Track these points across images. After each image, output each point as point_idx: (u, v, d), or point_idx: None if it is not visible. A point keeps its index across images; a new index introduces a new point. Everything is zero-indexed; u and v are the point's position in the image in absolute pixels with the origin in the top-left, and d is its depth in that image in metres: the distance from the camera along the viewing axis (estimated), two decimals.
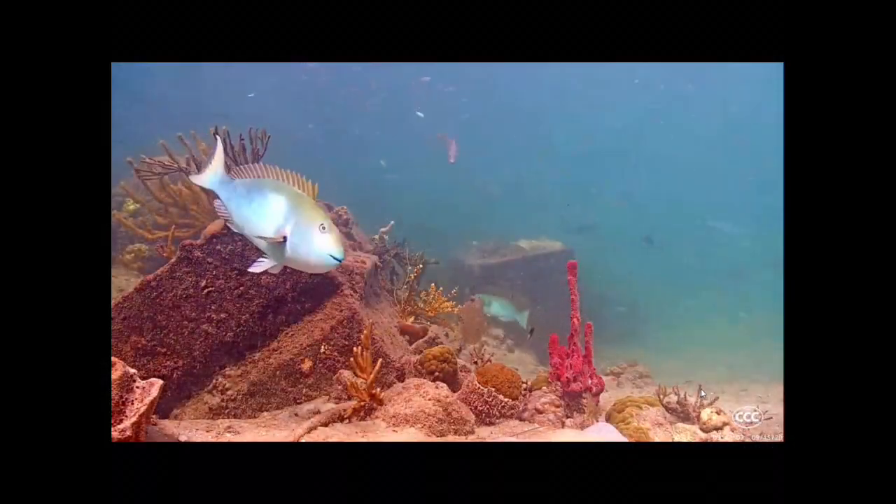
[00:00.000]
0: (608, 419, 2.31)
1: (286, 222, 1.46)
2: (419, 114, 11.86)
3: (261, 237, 1.50)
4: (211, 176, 1.63)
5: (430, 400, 1.99)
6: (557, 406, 2.31)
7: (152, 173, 3.00)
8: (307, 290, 2.39)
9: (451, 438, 1.93)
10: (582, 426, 2.29)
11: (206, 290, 2.32)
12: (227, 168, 1.65)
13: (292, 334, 2.38)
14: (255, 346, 2.38)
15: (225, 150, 2.67)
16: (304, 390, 2.32)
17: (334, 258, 1.46)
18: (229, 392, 2.31)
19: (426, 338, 2.86)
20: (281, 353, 2.35)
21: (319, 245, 1.44)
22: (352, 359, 2.00)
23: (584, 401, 2.42)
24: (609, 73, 14.41)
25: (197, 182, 1.71)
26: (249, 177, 1.59)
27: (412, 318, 3.17)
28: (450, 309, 3.49)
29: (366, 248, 3.60)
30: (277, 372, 2.32)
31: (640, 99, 16.22)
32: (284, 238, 1.46)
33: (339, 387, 2.19)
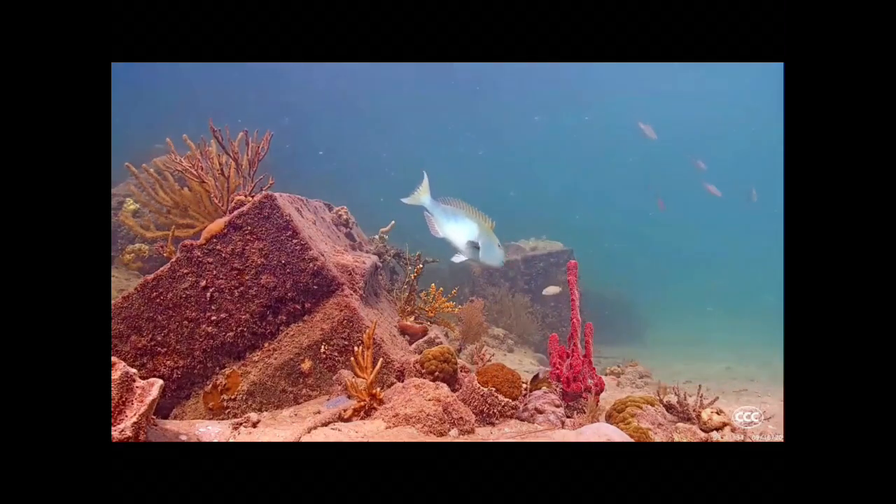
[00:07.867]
0: (608, 419, 2.31)
1: (478, 238, 2.48)
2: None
3: (469, 241, 2.48)
4: (424, 198, 2.52)
5: (430, 400, 1.99)
6: (557, 406, 2.31)
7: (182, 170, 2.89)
8: (307, 290, 2.39)
9: (451, 438, 1.93)
10: (582, 426, 2.29)
11: (206, 290, 2.32)
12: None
13: (292, 334, 2.38)
14: (255, 346, 2.38)
15: (221, 145, 2.68)
16: (305, 390, 2.31)
17: (502, 263, 2.58)
18: (229, 392, 2.30)
19: (426, 338, 2.86)
20: (281, 353, 2.35)
21: (498, 254, 2.52)
22: (352, 359, 2.00)
23: (585, 401, 2.42)
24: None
25: (412, 202, 2.51)
26: (450, 205, 2.52)
27: (412, 318, 3.17)
28: (450, 309, 3.48)
29: (366, 248, 3.60)
30: (277, 372, 2.32)
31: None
32: (478, 245, 2.47)
33: (339, 387, 2.18)
